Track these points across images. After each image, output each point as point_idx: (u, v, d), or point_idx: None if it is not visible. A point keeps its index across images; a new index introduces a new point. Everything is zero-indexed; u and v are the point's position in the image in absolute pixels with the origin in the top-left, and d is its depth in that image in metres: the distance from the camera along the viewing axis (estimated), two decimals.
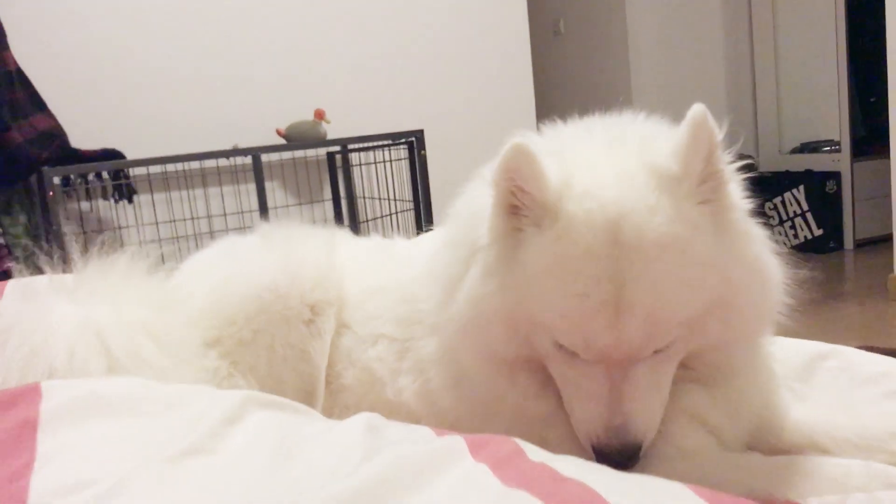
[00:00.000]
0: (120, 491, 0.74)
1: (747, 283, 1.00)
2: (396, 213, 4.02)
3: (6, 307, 1.44)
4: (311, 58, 4.26)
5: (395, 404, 1.27)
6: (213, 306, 1.38)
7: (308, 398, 1.34)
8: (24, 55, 3.61)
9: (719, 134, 0.98)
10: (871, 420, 1.09)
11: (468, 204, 1.14)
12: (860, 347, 1.52)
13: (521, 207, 0.99)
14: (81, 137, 3.68)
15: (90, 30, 3.85)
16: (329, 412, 1.35)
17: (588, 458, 0.92)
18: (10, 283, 1.61)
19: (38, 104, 3.69)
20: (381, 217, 4.14)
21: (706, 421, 1.06)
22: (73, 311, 1.24)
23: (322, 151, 4.21)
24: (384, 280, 1.39)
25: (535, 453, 0.80)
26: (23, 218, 3.66)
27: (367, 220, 4.26)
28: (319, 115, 3.97)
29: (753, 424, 1.12)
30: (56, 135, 3.68)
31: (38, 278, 1.48)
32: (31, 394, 0.93)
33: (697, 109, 0.96)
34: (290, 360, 1.36)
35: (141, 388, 1.02)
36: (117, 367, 1.18)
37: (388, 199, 4.04)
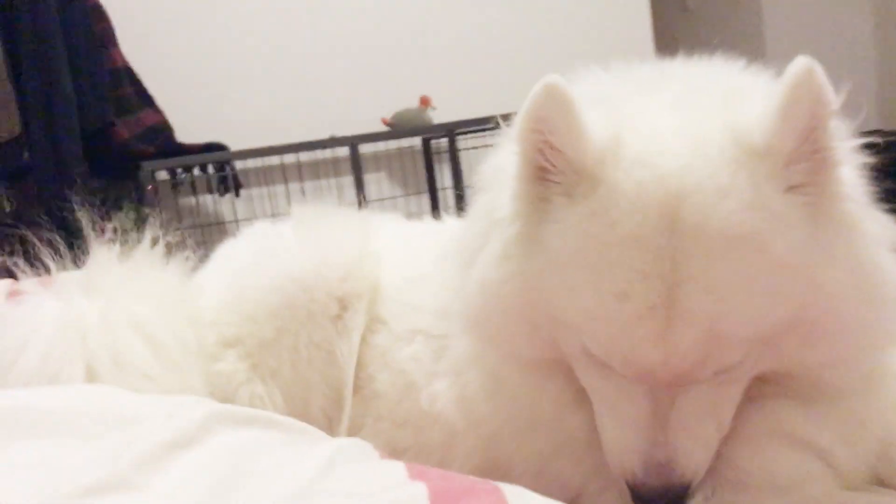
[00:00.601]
0: None
1: (850, 293, 0.73)
2: None
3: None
4: (409, 44, 4.11)
5: (429, 416, 1.07)
6: (234, 300, 1.21)
7: (336, 407, 1.15)
8: (132, 52, 3.64)
9: (830, 98, 0.71)
10: None
11: (492, 164, 0.92)
12: None
13: (551, 171, 0.76)
14: (186, 132, 3.68)
15: (195, 26, 3.87)
16: (360, 423, 1.16)
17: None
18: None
19: (146, 100, 3.72)
20: None
21: (814, 444, 0.80)
22: (59, 308, 1.10)
23: (419, 141, 4.05)
24: (425, 267, 1.17)
25: None
26: (132, 214, 3.70)
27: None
28: (425, 101, 3.84)
29: (875, 454, 0.84)
30: (162, 129, 3.71)
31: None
32: None
33: (801, 63, 0.69)
34: (317, 363, 1.16)
35: (91, 401, 0.85)
36: (98, 375, 1.02)
37: None
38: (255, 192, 3.71)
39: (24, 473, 0.68)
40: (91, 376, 1.03)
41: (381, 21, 4.07)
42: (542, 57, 4.20)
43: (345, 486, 0.64)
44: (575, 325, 0.75)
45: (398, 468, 0.69)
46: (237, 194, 3.72)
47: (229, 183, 3.69)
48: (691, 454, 0.74)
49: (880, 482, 0.88)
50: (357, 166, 3.50)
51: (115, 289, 1.16)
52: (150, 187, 3.32)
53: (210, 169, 3.68)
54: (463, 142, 3.93)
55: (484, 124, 3.73)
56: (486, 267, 0.83)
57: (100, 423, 0.78)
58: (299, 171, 3.76)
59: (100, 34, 3.54)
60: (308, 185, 3.81)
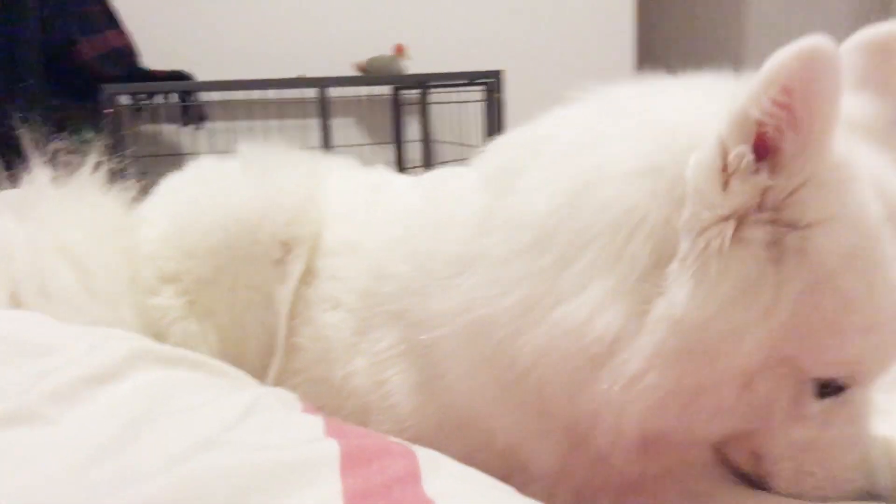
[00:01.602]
0: None
1: None
2: (465, 159, 3.77)
3: None
4: None
5: (343, 389, 1.04)
6: (174, 235, 1.17)
7: (268, 354, 1.13)
8: None
9: None
10: None
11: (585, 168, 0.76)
12: None
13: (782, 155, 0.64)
14: (152, 57, 3.58)
15: None
16: (280, 374, 1.13)
17: None
18: None
19: (112, 20, 3.60)
20: (451, 162, 3.90)
21: None
22: None
23: (390, 91, 3.98)
24: (359, 236, 1.13)
25: (436, 481, 0.55)
26: (90, 136, 3.61)
27: (438, 165, 4.02)
28: (400, 50, 3.73)
29: None
30: (126, 52, 3.60)
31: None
32: None
33: None
34: (254, 307, 1.13)
35: (9, 327, 0.81)
36: (23, 302, 0.99)
37: (459, 145, 3.79)
38: (218, 125, 3.63)
39: None
40: (15, 303, 0.99)
41: None
42: (518, 19, 4.15)
43: (256, 436, 0.62)
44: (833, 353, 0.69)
45: (316, 423, 0.68)
46: (198, 126, 3.64)
47: (192, 114, 3.61)
48: None
49: None
50: (324, 110, 3.44)
51: (48, 213, 1.12)
52: (107, 111, 3.23)
53: (175, 98, 3.59)
54: (435, 96, 3.89)
55: (456, 79, 3.70)
56: (695, 308, 0.65)
57: (15, 351, 0.75)
58: (265, 109, 3.67)
59: None
60: (273, 123, 3.73)
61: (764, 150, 0.63)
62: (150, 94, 3.53)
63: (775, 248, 0.65)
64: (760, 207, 0.65)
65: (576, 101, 0.85)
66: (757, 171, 0.63)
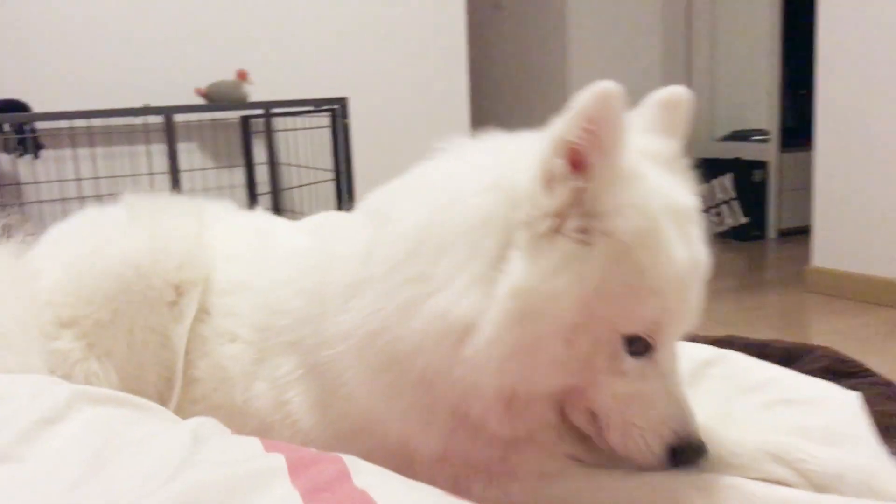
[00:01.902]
0: None
1: None
2: (317, 182, 3.90)
3: None
4: (229, 15, 4.08)
5: (244, 411, 1.18)
6: (70, 283, 1.27)
7: (167, 387, 1.25)
8: None
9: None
10: (750, 436, 1.04)
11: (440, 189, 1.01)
12: (724, 337, 1.61)
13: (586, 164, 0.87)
14: None
15: None
16: (178, 405, 1.25)
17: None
18: None
19: None
20: (301, 186, 4.02)
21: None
22: None
23: (236, 116, 4.06)
24: (250, 276, 1.28)
25: (362, 477, 0.73)
26: None
27: (286, 189, 4.13)
28: (242, 75, 3.82)
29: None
30: None
31: None
32: None
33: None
34: (151, 346, 1.26)
35: None
36: None
37: (309, 168, 3.92)
38: (62, 153, 3.58)
39: None
40: None
41: None
42: (360, 48, 4.33)
43: (216, 456, 0.77)
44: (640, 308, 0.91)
45: (254, 442, 0.84)
46: (36, 155, 3.57)
47: (29, 143, 3.53)
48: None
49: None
50: (171, 136, 3.46)
51: None
52: None
53: (5, 127, 3.50)
54: (281, 122, 3.99)
55: (302, 106, 3.83)
56: (527, 277, 0.87)
57: None
58: (110, 136, 3.66)
59: None
60: (117, 149, 3.71)
61: (577, 162, 0.87)
62: None
63: (587, 232, 0.87)
64: (575, 204, 0.87)
65: (434, 154, 1.07)
66: (572, 177, 0.87)
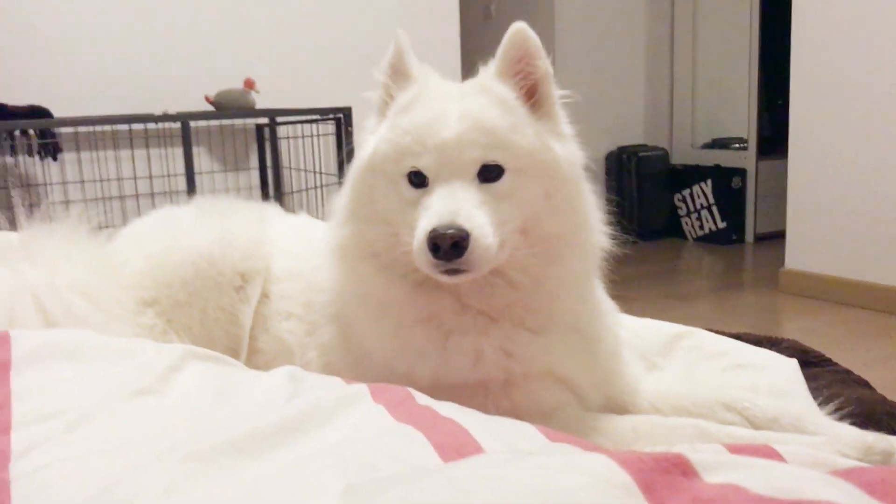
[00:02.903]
0: (86, 420, 0.91)
1: (566, 173, 1.27)
2: (322, 186, 4.15)
3: None
4: (241, 28, 4.33)
5: None
6: (152, 270, 1.54)
7: (234, 356, 1.51)
8: None
9: (536, 41, 1.30)
10: (708, 391, 1.33)
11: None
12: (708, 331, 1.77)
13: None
14: (8, 93, 3.69)
15: None
16: None
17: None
18: None
19: None
20: (307, 189, 4.27)
21: (566, 378, 1.27)
22: (10, 276, 1.40)
23: (251, 122, 4.30)
24: (298, 264, 1.57)
25: (421, 398, 1.00)
26: None
27: (293, 192, 4.37)
28: (249, 84, 4.05)
29: (609, 388, 1.34)
30: None
31: None
32: (1, 340, 1.08)
33: (515, 25, 1.29)
34: (221, 322, 1.53)
35: (94, 338, 1.17)
36: (55, 325, 1.33)
37: (315, 173, 4.17)
38: (83, 155, 3.80)
39: (74, 383, 1.02)
40: (50, 327, 1.34)
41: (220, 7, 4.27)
42: (361, 60, 4.55)
43: (313, 385, 1.04)
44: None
45: (336, 379, 1.11)
46: (55, 158, 3.78)
47: (49, 147, 3.75)
48: (471, 217, 1.14)
49: (610, 409, 1.38)
50: (188, 141, 3.70)
51: (54, 258, 1.46)
52: None
53: (31, 131, 3.71)
54: (292, 129, 4.22)
55: (309, 114, 4.08)
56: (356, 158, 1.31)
57: (108, 353, 1.12)
58: (130, 139, 3.89)
59: None
60: (137, 153, 3.95)
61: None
62: (9, 130, 3.64)
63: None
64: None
65: None
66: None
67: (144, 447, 0.84)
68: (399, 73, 1.32)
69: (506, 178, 1.20)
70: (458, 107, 1.21)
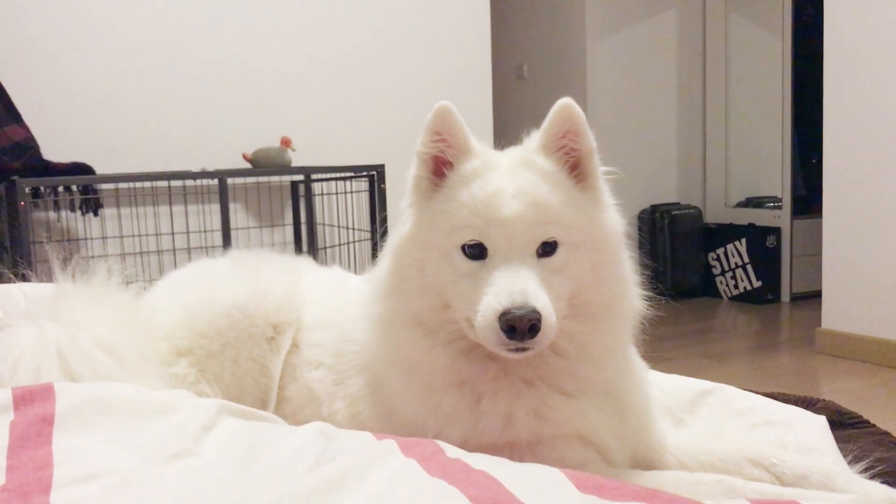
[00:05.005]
0: (126, 484, 0.92)
1: (610, 246, 1.30)
2: (354, 241, 4.20)
3: None
4: (278, 88, 4.45)
5: (329, 424, 1.45)
6: (188, 320, 1.57)
7: (262, 405, 1.53)
8: (1, 66, 3.73)
9: (581, 116, 1.28)
10: (734, 446, 1.31)
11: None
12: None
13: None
14: (53, 150, 3.81)
15: (67, 45, 3.99)
16: None
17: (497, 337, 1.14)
18: None
19: (14, 115, 3.81)
20: (340, 245, 4.31)
21: (594, 441, 1.27)
22: (37, 334, 1.42)
23: (286, 179, 4.39)
24: (330, 314, 1.59)
25: (452, 451, 1.01)
26: None
27: (326, 247, 4.42)
28: (286, 142, 4.14)
29: (636, 445, 1.32)
30: (29, 146, 3.80)
31: (13, 288, 1.65)
32: (45, 392, 1.11)
33: (561, 101, 1.28)
34: (252, 373, 1.55)
35: (134, 391, 1.19)
36: (79, 380, 1.35)
37: (348, 228, 4.22)
38: (123, 211, 3.89)
39: (114, 445, 1.03)
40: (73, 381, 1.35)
41: (254, 57, 4.39)
42: (396, 118, 4.66)
43: (344, 442, 1.04)
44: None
45: (366, 434, 1.11)
46: (96, 214, 3.87)
47: (91, 202, 3.85)
48: (538, 297, 1.15)
49: (634, 459, 1.36)
50: (224, 198, 3.78)
51: (80, 314, 1.49)
52: (22, 203, 3.44)
53: (73, 188, 3.81)
54: (326, 186, 4.29)
55: (343, 172, 4.15)
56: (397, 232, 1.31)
57: (147, 408, 1.13)
58: (169, 196, 3.98)
59: None
60: (176, 209, 4.03)
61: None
62: (53, 187, 3.75)
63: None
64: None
65: None
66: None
67: None
68: (454, 146, 1.30)
69: (560, 253, 1.23)
70: (512, 183, 1.24)
